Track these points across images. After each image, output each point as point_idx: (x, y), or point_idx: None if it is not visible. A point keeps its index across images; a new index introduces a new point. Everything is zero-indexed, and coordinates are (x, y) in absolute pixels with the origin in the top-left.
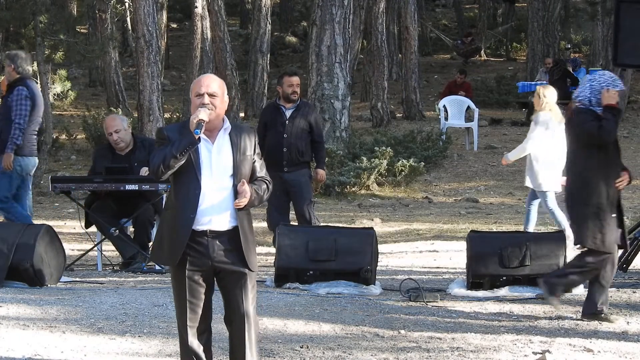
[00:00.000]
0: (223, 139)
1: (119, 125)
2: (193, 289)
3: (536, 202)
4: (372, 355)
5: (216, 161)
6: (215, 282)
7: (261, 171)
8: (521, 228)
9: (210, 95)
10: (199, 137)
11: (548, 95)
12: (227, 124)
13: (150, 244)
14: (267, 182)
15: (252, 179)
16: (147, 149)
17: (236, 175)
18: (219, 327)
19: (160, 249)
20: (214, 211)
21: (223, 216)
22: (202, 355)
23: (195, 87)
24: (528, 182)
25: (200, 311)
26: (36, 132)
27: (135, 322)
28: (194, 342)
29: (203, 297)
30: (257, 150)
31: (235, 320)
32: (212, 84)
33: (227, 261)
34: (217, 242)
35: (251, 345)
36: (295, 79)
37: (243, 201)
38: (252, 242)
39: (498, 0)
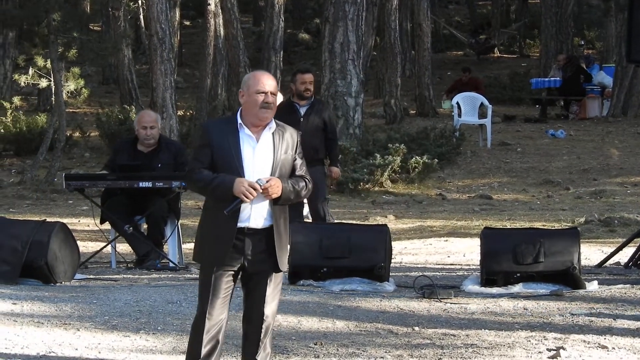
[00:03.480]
0: (266, 137)
1: (155, 122)
2: (219, 284)
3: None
4: (386, 352)
5: (258, 159)
6: (240, 279)
7: (301, 169)
8: (535, 225)
9: (272, 94)
10: (228, 212)
11: None
12: (272, 123)
13: (164, 240)
14: (306, 180)
15: (292, 176)
16: (173, 154)
17: (275, 174)
18: (232, 323)
19: (203, 248)
20: (253, 209)
21: (261, 214)
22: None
23: (253, 84)
24: None
25: (218, 304)
26: None
27: (149, 319)
28: (209, 335)
29: (226, 292)
30: (299, 149)
31: (254, 320)
32: (272, 83)
33: (258, 260)
34: (253, 240)
35: (265, 346)
36: (309, 76)
37: (272, 188)
38: (285, 242)
39: None
